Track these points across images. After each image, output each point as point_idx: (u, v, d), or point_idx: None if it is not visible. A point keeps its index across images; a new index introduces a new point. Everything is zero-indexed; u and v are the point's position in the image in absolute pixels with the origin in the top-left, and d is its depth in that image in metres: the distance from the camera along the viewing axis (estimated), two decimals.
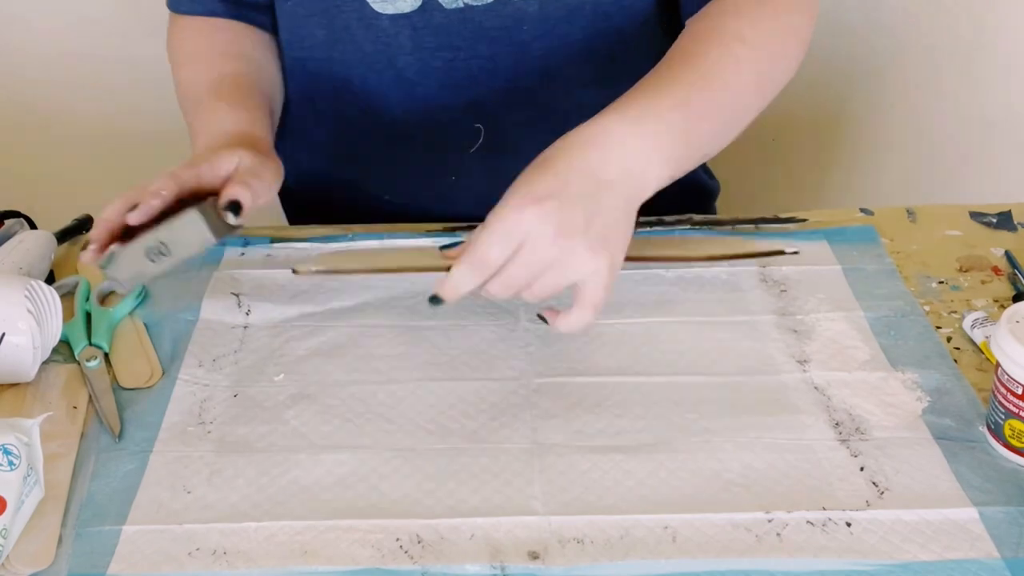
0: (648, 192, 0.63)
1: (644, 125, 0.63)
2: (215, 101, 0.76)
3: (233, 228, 0.65)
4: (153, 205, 0.64)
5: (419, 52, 0.79)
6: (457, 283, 0.59)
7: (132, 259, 0.61)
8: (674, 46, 0.71)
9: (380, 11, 0.77)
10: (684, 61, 0.68)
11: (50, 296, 0.68)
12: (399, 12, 0.77)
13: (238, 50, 0.82)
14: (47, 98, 1.27)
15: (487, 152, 0.84)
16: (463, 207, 0.83)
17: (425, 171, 0.86)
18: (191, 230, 0.61)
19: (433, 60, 0.80)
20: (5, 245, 0.75)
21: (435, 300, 0.61)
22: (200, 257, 0.65)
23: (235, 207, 0.65)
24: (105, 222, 0.64)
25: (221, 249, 0.80)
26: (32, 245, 0.76)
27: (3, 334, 0.65)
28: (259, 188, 0.67)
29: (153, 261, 0.62)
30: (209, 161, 0.67)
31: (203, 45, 0.82)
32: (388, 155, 0.86)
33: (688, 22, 0.75)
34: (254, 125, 0.75)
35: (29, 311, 0.65)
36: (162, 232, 0.61)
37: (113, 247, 0.63)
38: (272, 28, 0.84)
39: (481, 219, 0.62)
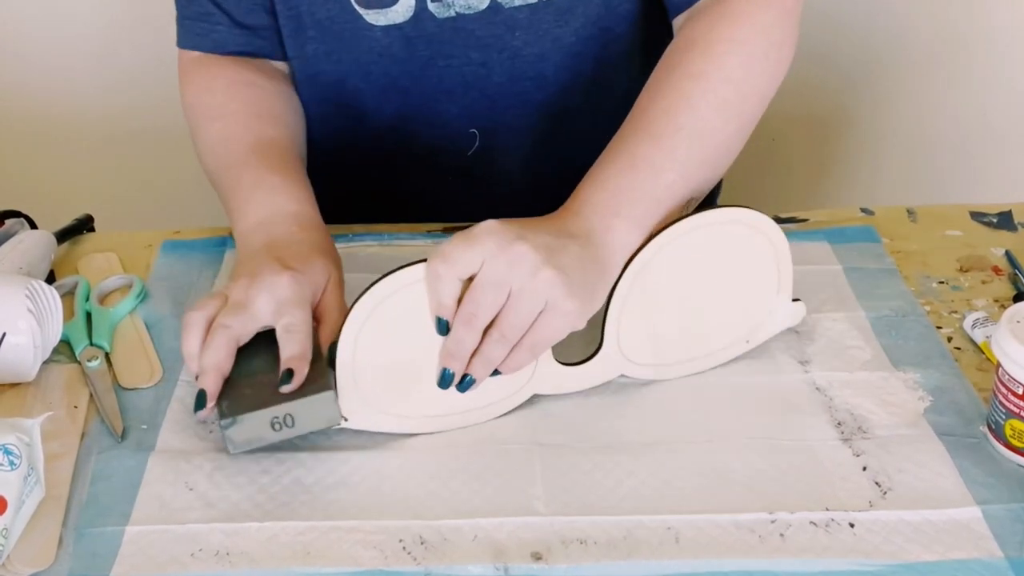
0: (618, 253, 0.63)
1: (595, 198, 0.64)
2: (262, 170, 0.73)
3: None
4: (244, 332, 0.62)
5: (412, 61, 0.80)
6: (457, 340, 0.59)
7: (255, 426, 0.59)
8: (637, 100, 0.70)
9: (373, 23, 0.78)
10: (635, 119, 0.68)
11: (50, 296, 0.68)
12: (392, 23, 0.78)
13: (271, 111, 0.80)
14: (47, 98, 1.27)
15: (483, 155, 0.85)
16: (460, 207, 0.83)
17: (421, 175, 0.86)
18: (322, 408, 0.59)
19: (427, 68, 0.80)
20: (5, 245, 0.75)
21: (463, 385, 0.60)
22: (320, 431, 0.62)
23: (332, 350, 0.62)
24: (216, 370, 0.61)
25: (222, 252, 0.80)
26: (32, 245, 0.76)
27: (4, 334, 0.65)
28: (340, 315, 0.64)
29: (276, 430, 0.59)
30: (307, 271, 0.65)
31: (235, 103, 0.79)
32: (384, 160, 0.86)
33: (656, 69, 0.72)
34: (309, 203, 0.72)
35: (29, 311, 0.65)
36: (293, 407, 0.59)
37: (238, 415, 0.59)
38: (281, 55, 0.83)
39: (479, 219, 0.62)
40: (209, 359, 0.61)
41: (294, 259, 0.65)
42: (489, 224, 0.60)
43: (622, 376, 0.67)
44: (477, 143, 0.84)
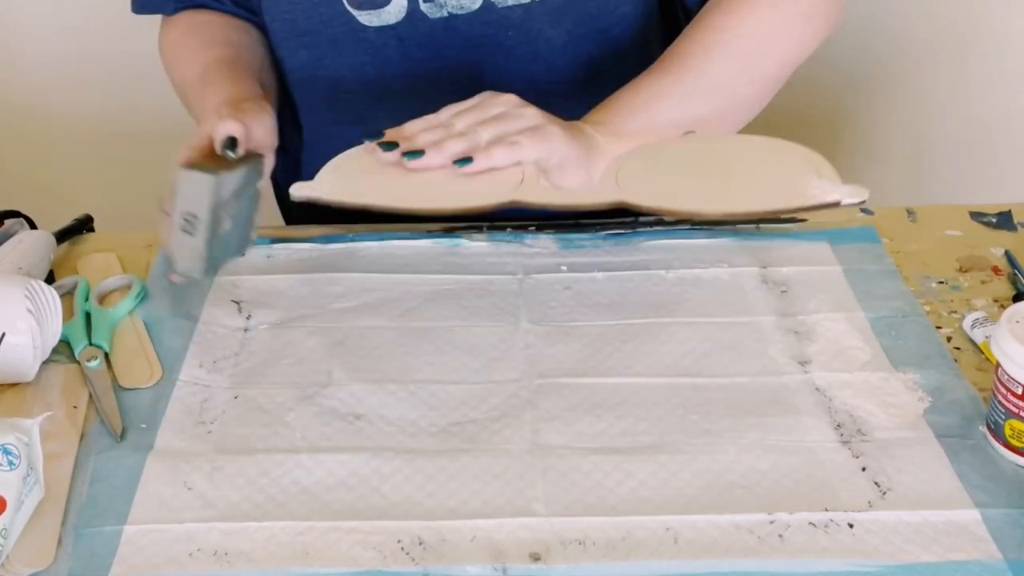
0: (603, 150, 0.70)
1: (593, 117, 0.73)
2: (203, 87, 0.78)
3: (240, 163, 0.67)
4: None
5: (406, 63, 0.80)
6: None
7: (178, 245, 0.64)
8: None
9: (367, 24, 0.79)
10: (653, 64, 0.75)
11: (50, 296, 0.68)
12: (385, 24, 0.78)
13: (221, 38, 0.84)
14: (47, 98, 1.27)
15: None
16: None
17: None
18: (191, 185, 0.63)
19: (420, 69, 0.80)
20: (5, 245, 0.75)
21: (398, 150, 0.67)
22: (240, 205, 0.67)
23: (231, 142, 0.67)
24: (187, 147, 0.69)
25: None
26: (32, 245, 0.76)
27: (3, 334, 0.65)
28: (248, 118, 0.71)
29: (191, 233, 0.63)
30: (198, 134, 0.70)
31: (189, 43, 0.84)
32: None
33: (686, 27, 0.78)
34: (239, 89, 0.77)
35: (29, 311, 0.65)
36: (176, 205, 0.63)
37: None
38: (249, 18, 0.86)
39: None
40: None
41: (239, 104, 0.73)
42: None
43: (621, 378, 0.67)
44: None
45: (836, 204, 0.64)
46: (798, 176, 0.67)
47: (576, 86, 0.83)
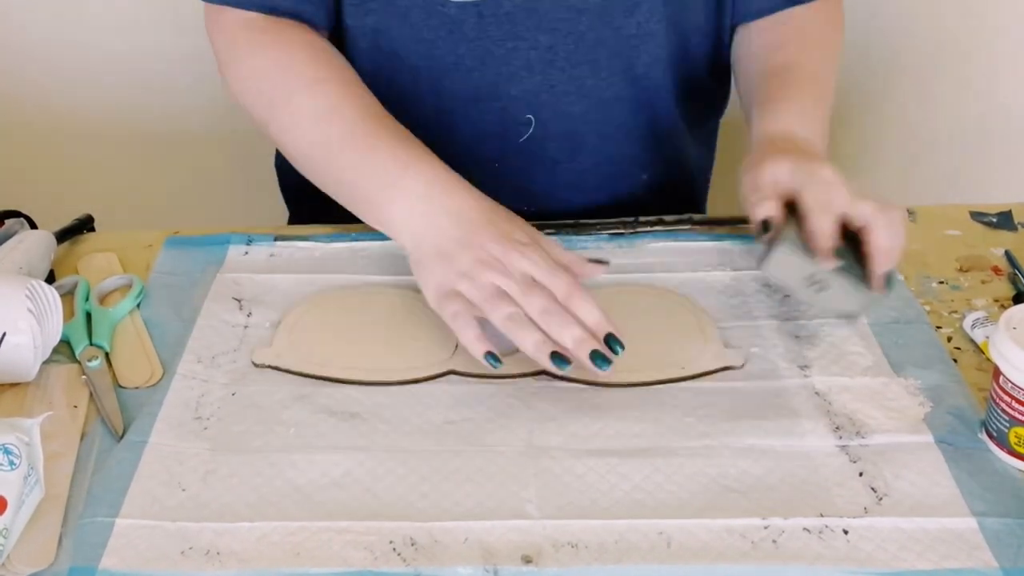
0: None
1: (803, 127, 0.77)
2: (393, 140, 0.74)
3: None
4: None
5: (482, 40, 0.79)
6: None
7: (798, 264, 0.67)
8: (772, 69, 0.83)
9: None
10: (795, 78, 0.82)
11: (50, 296, 0.68)
12: (468, 0, 0.77)
13: (355, 76, 0.78)
14: (47, 97, 1.27)
15: (534, 142, 0.84)
16: (497, 196, 0.82)
17: (465, 158, 0.81)
18: (843, 295, 0.67)
19: (495, 49, 0.79)
20: (5, 245, 0.75)
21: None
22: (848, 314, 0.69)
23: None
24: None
25: (225, 249, 0.80)
26: (32, 245, 0.76)
27: (4, 334, 0.65)
28: None
29: (806, 285, 0.67)
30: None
31: (327, 70, 0.77)
32: (427, 139, 0.80)
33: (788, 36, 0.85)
34: (439, 166, 0.74)
35: (30, 311, 0.66)
36: (836, 277, 0.66)
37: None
38: (324, 23, 0.80)
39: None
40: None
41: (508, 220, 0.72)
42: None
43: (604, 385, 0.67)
44: (532, 129, 0.83)
45: (724, 369, 0.67)
46: (687, 342, 0.70)
47: (634, 71, 0.83)
